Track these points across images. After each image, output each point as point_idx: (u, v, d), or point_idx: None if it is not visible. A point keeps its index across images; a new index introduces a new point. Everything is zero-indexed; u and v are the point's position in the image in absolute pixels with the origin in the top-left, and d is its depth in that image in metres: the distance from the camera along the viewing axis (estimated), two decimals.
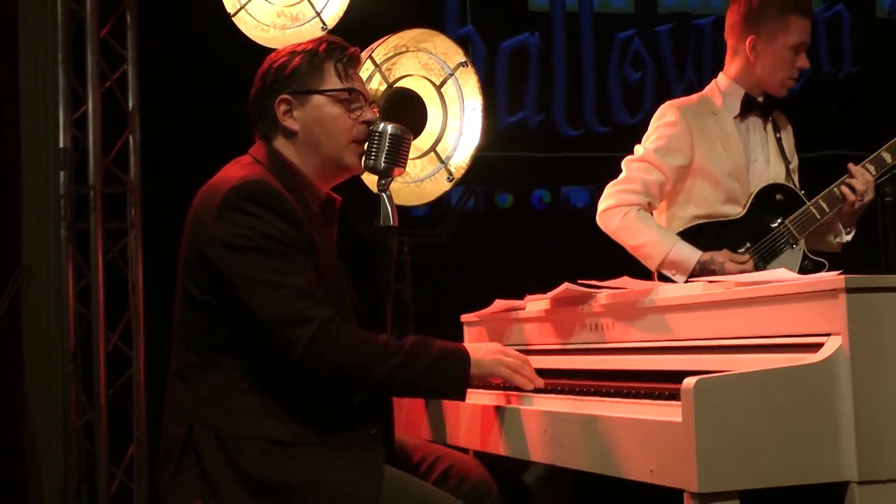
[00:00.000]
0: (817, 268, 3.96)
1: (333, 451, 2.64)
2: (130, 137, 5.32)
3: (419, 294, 4.15)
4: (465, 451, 3.14)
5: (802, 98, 4.34)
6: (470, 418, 3.03)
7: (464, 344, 2.87)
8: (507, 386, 2.89)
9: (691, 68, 6.78)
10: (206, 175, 2.86)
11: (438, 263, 5.26)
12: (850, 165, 3.93)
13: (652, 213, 4.02)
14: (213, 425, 2.63)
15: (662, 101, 4.20)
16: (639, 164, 4.00)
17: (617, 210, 3.95)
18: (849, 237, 4.07)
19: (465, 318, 3.72)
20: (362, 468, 2.63)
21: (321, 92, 2.85)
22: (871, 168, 3.93)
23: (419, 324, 2.85)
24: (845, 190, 3.91)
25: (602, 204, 4.01)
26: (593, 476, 2.54)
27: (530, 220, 6.53)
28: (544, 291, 3.30)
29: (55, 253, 5.30)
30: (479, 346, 2.86)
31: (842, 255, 4.08)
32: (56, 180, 5.26)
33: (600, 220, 4.01)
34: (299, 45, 2.94)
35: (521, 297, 3.45)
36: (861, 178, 3.90)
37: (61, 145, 5.23)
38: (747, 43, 4.00)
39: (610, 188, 4.02)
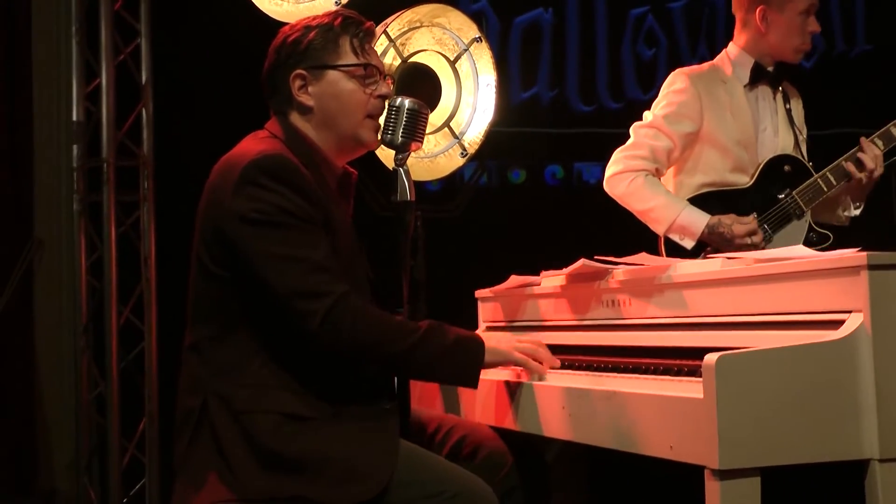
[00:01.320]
0: (822, 240, 3.97)
1: (348, 424, 2.63)
2: (143, 111, 5.32)
3: (432, 270, 4.14)
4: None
5: (816, 75, 4.34)
6: (486, 394, 3.03)
7: (478, 332, 2.86)
8: None
9: (704, 45, 6.78)
10: (218, 149, 2.85)
11: (451, 239, 5.25)
12: (862, 139, 3.93)
13: (660, 180, 4.01)
14: (228, 398, 2.63)
15: None
16: (647, 130, 4.00)
17: (624, 175, 3.95)
18: (857, 211, 4.08)
19: (479, 293, 3.71)
20: (377, 442, 2.62)
21: (336, 67, 2.83)
22: (880, 143, 3.94)
23: (432, 299, 2.83)
24: (852, 165, 3.91)
25: (609, 169, 4.01)
26: (608, 452, 2.54)
27: (543, 196, 6.54)
28: (557, 268, 3.29)
29: (68, 226, 5.30)
30: (492, 334, 2.87)
31: (846, 229, 4.10)
32: (69, 153, 5.25)
33: (607, 186, 4.01)
34: (314, 18, 2.91)
35: (534, 273, 3.44)
36: (870, 153, 3.90)
37: (74, 118, 5.23)
38: (757, 13, 4.01)
39: (618, 154, 4.02)
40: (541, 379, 2.81)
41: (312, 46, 2.83)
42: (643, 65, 6.78)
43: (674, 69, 4.16)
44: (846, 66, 6.94)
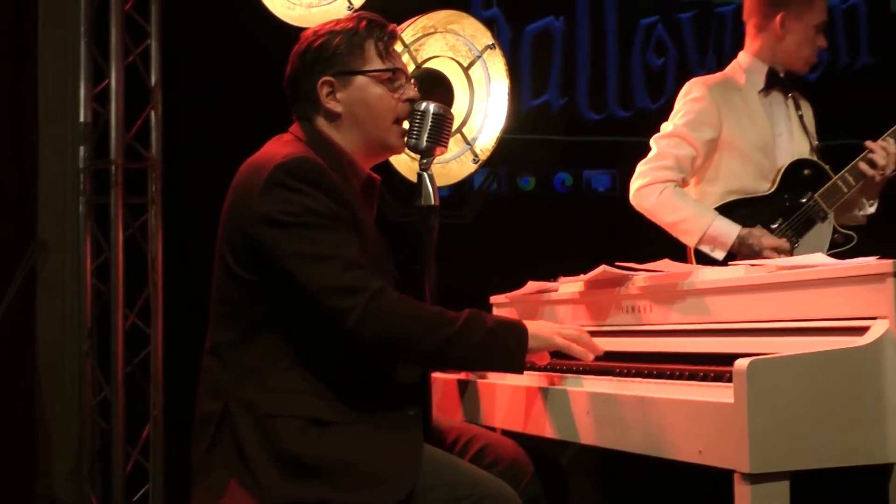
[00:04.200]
0: (847, 241, 4.02)
1: (372, 430, 2.62)
2: (152, 113, 5.31)
3: (442, 275, 4.15)
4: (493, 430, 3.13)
5: (820, 87, 4.38)
6: (508, 400, 3.02)
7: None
8: (552, 367, 2.87)
9: (712, 55, 6.86)
10: (227, 152, 2.86)
11: (462, 245, 5.26)
12: (868, 143, 3.97)
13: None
14: (251, 403, 2.62)
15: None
16: (669, 140, 4.02)
17: (653, 187, 3.96)
18: (872, 209, 4.12)
19: (494, 299, 3.71)
20: (401, 447, 2.62)
21: (364, 73, 2.82)
22: (892, 141, 3.98)
23: (445, 305, 2.82)
24: (864, 166, 3.95)
25: (636, 182, 4.02)
26: (621, 457, 2.55)
27: (552, 203, 6.56)
28: (567, 274, 3.31)
29: (73, 228, 5.28)
30: (533, 322, 2.82)
31: (864, 228, 4.15)
32: (76, 154, 5.24)
33: (635, 199, 4.02)
34: (337, 23, 2.90)
35: (543, 279, 3.45)
36: (881, 153, 3.94)
37: (82, 119, 5.22)
38: (777, 19, 4.07)
39: (643, 166, 4.02)
40: (566, 384, 2.79)
41: (339, 52, 2.82)
42: (652, 74, 6.84)
43: (683, 78, 4.20)
44: (849, 78, 6.99)
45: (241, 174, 2.76)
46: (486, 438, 2.97)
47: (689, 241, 3.93)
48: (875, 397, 2.22)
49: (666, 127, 4.07)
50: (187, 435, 2.78)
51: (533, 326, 2.75)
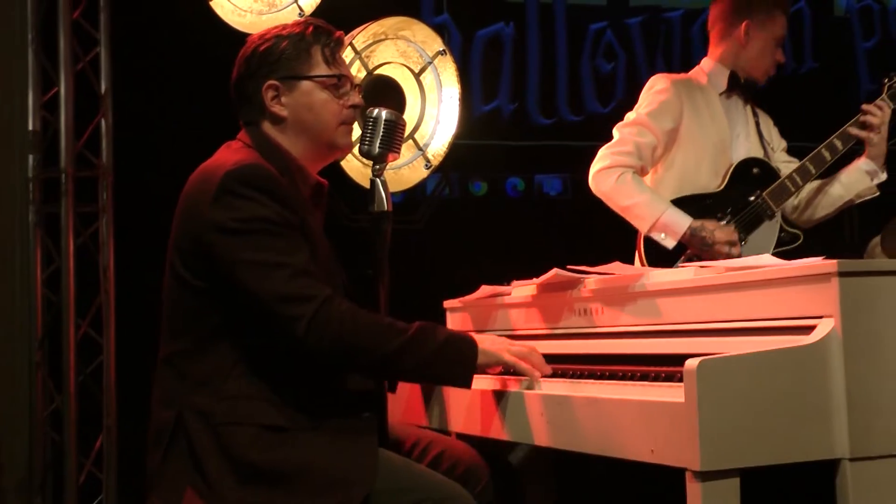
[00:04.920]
0: (793, 240, 4.11)
1: (327, 436, 2.63)
2: (103, 121, 5.26)
3: (396, 281, 4.17)
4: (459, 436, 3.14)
5: (767, 92, 4.45)
6: (467, 404, 3.04)
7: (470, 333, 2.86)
8: (510, 371, 2.89)
9: (661, 60, 6.92)
10: (179, 159, 2.85)
11: (415, 251, 5.28)
12: (864, 105, 4.07)
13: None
14: (205, 411, 2.62)
15: (633, 92, 4.31)
16: (631, 128, 4.08)
17: (612, 171, 4.01)
18: (885, 175, 4.16)
19: (447, 304, 3.73)
20: (357, 451, 2.62)
21: (310, 78, 2.84)
22: (888, 101, 4.09)
23: (396, 311, 2.84)
24: (854, 131, 4.04)
25: (596, 165, 4.06)
26: (576, 459, 2.58)
27: (505, 208, 6.59)
28: (520, 277, 3.33)
29: (23, 237, 5.22)
30: (485, 336, 2.84)
31: (808, 237, 4.22)
32: (24, 163, 5.18)
33: (593, 182, 4.06)
34: (283, 28, 2.91)
35: (496, 283, 3.47)
36: (876, 112, 4.03)
37: (30, 128, 5.16)
38: (742, 27, 4.17)
39: (604, 150, 4.07)
40: (529, 387, 2.81)
41: (285, 56, 2.83)
42: (602, 78, 6.89)
43: (632, 83, 4.29)
44: (795, 82, 7.07)
45: (191, 182, 2.76)
46: (443, 444, 2.99)
47: (642, 226, 3.98)
48: (821, 395, 2.26)
49: (629, 116, 4.14)
50: (141, 445, 2.77)
51: (484, 342, 2.77)
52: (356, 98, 2.90)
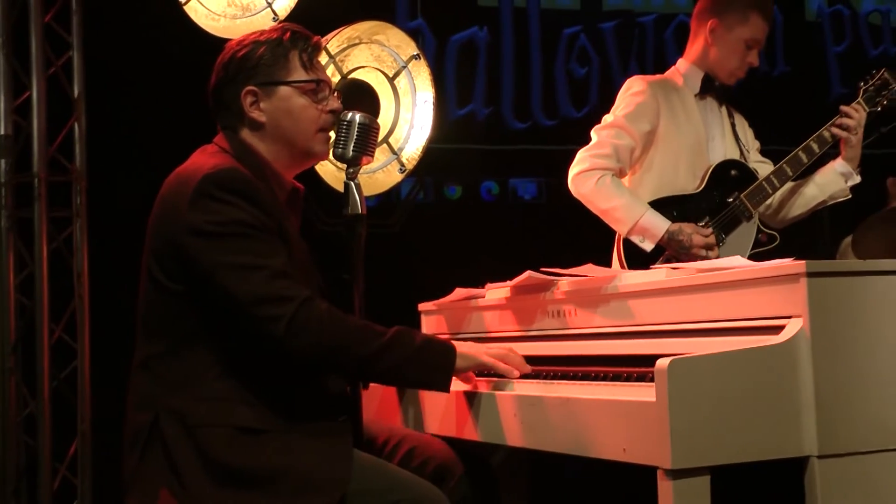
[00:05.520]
0: (771, 240, 4.14)
1: (302, 438, 2.64)
2: (76, 125, 5.26)
3: (371, 284, 4.18)
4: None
5: (739, 96, 4.48)
6: (441, 406, 3.05)
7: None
8: (487, 374, 2.90)
9: (635, 64, 6.95)
10: (152, 163, 2.85)
11: (390, 254, 5.29)
12: (842, 107, 4.11)
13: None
14: (181, 413, 2.62)
15: (606, 96, 4.33)
16: (609, 130, 4.09)
17: (591, 173, 4.02)
18: (858, 178, 4.20)
19: (422, 306, 3.74)
20: (331, 455, 2.63)
21: (288, 83, 2.85)
22: (863, 104, 4.13)
23: (373, 314, 2.85)
24: (835, 130, 4.07)
25: (574, 168, 4.07)
26: (552, 459, 2.59)
27: (479, 212, 6.62)
28: (494, 280, 3.35)
29: None
30: (462, 342, 2.86)
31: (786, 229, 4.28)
32: None
33: (573, 184, 4.07)
34: (261, 33, 2.91)
35: (471, 286, 3.49)
36: (854, 114, 4.08)
37: (2, 132, 5.13)
38: (708, 25, 4.19)
39: (582, 153, 4.09)
40: (503, 388, 2.83)
41: (263, 62, 2.83)
42: (576, 83, 6.92)
43: (606, 87, 4.30)
44: (767, 86, 7.12)
45: (167, 185, 2.76)
46: (416, 440, 3.01)
47: (621, 229, 4.01)
48: (790, 393, 2.29)
49: (607, 118, 4.15)
50: (116, 449, 2.78)
51: (461, 346, 2.79)
52: (335, 103, 2.91)
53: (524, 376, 2.82)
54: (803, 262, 2.34)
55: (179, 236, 2.65)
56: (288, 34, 2.89)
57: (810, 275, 2.32)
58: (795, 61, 7.44)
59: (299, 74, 2.86)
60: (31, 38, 5.10)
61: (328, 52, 3.99)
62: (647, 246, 3.94)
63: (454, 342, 2.80)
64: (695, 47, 4.25)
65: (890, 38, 7.74)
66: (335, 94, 2.96)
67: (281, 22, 4.34)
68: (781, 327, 2.34)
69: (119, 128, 5.51)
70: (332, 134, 2.92)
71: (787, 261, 2.43)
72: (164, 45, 5.28)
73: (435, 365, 2.72)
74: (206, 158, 2.77)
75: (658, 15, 7.07)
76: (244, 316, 2.61)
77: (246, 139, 2.85)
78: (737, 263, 2.65)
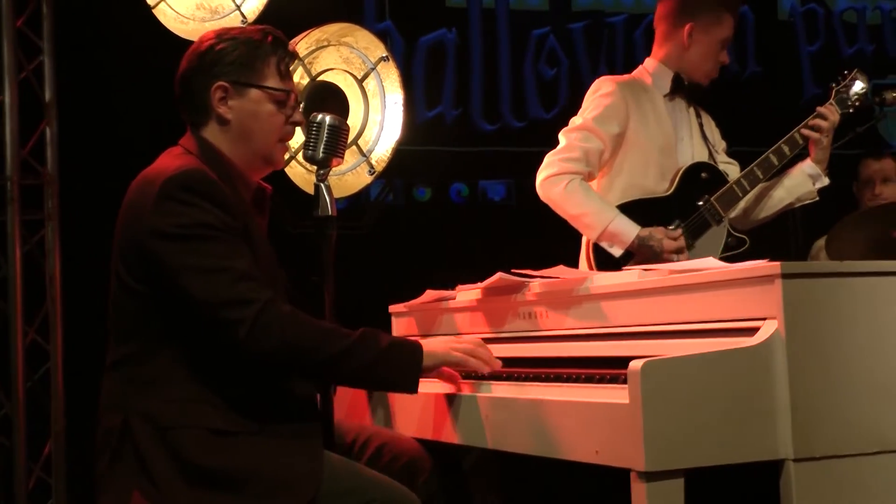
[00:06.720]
0: (740, 244, 4.11)
1: (273, 439, 2.64)
2: (47, 129, 5.25)
3: (341, 286, 4.18)
4: None
5: (710, 96, 4.49)
6: (411, 407, 3.05)
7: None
8: (462, 375, 2.90)
9: (604, 65, 6.95)
10: (123, 166, 2.84)
11: (360, 256, 5.28)
12: (818, 108, 4.12)
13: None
14: (152, 415, 2.62)
15: (576, 97, 4.28)
16: (578, 133, 4.05)
17: (559, 178, 3.99)
18: (827, 181, 4.21)
19: (393, 308, 3.73)
20: (303, 455, 2.63)
21: (262, 88, 2.84)
22: (836, 105, 4.14)
23: (342, 316, 2.85)
24: (805, 132, 4.09)
25: (543, 172, 4.04)
26: (519, 460, 2.59)
27: (449, 214, 6.62)
28: (465, 282, 3.34)
29: None
30: (429, 339, 2.86)
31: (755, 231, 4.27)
32: None
33: (541, 189, 4.04)
34: (241, 31, 2.91)
35: (441, 288, 3.49)
36: (827, 115, 4.09)
37: None
38: (685, 29, 4.15)
39: (551, 157, 4.05)
40: (474, 390, 2.82)
41: (240, 61, 2.82)
42: (545, 84, 6.91)
43: (575, 88, 4.29)
44: (738, 86, 7.13)
45: (132, 188, 2.76)
46: (384, 437, 3.02)
47: (590, 235, 3.98)
48: (765, 395, 2.28)
49: (575, 121, 4.11)
50: (90, 450, 2.78)
51: (428, 344, 2.78)
52: (298, 116, 2.91)
53: (496, 377, 2.82)
54: (778, 263, 2.33)
55: (144, 239, 2.64)
56: (270, 38, 2.88)
57: (785, 276, 2.31)
58: (767, 61, 7.43)
59: (274, 81, 2.85)
60: (3, 42, 5.10)
61: (297, 55, 3.98)
62: (617, 251, 3.92)
63: (422, 341, 2.79)
64: (664, 49, 4.22)
65: (865, 37, 7.73)
66: (300, 107, 2.95)
67: (264, 25, 4.34)
68: (756, 329, 2.33)
69: (90, 131, 5.49)
70: (298, 141, 2.91)
71: (762, 262, 2.42)
72: (134, 49, 5.28)
73: (402, 365, 2.71)
74: (170, 160, 2.76)
75: (628, 15, 7.07)
76: (207, 318, 2.61)
77: (208, 138, 2.84)
78: (711, 265, 2.64)
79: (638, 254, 3.89)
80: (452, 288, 3.45)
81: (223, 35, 2.87)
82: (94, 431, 2.76)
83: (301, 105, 2.97)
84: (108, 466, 2.66)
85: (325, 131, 2.89)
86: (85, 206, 5.25)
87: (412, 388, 2.73)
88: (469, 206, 6.68)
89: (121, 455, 2.64)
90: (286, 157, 2.98)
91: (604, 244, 3.94)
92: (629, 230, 3.91)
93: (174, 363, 2.66)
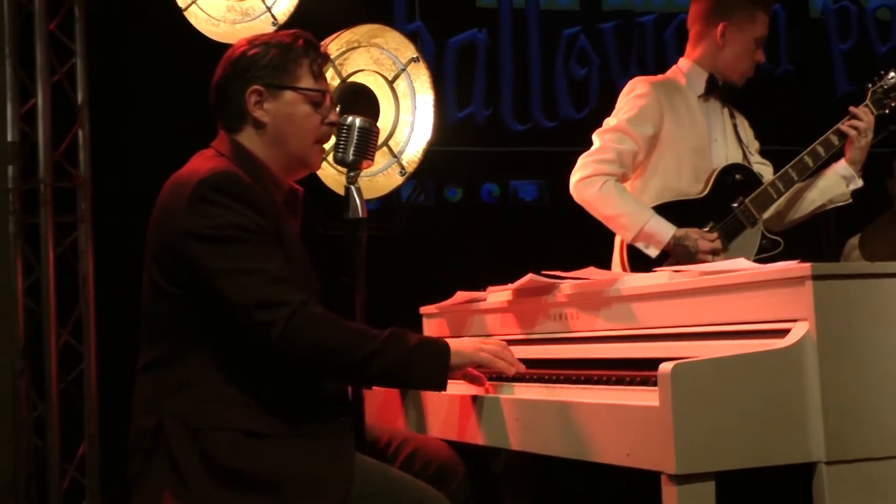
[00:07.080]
0: (774, 246, 4.09)
1: (304, 441, 2.65)
2: (80, 131, 5.29)
3: (373, 288, 4.18)
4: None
5: (742, 95, 4.47)
6: (442, 409, 3.06)
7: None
8: (487, 376, 2.90)
9: (635, 65, 6.91)
10: (155, 168, 2.86)
11: (391, 258, 5.29)
12: (852, 108, 4.09)
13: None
14: (184, 416, 2.63)
15: (607, 97, 4.30)
16: (612, 135, 4.05)
17: (594, 179, 3.98)
18: (860, 182, 4.17)
19: (424, 310, 3.74)
20: (334, 457, 2.64)
21: (296, 89, 2.85)
22: (871, 107, 4.11)
23: (374, 318, 2.85)
24: (843, 128, 4.05)
25: (577, 174, 4.03)
26: (554, 464, 2.59)
27: (480, 214, 6.61)
28: (495, 283, 3.35)
29: (2, 247, 5.23)
30: (456, 339, 2.86)
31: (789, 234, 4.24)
32: (4, 174, 5.20)
33: (575, 191, 4.03)
34: (273, 36, 2.93)
35: (472, 289, 3.49)
36: (863, 116, 4.06)
37: (9, 139, 5.17)
38: (718, 29, 4.14)
39: (584, 158, 4.04)
40: (497, 391, 2.83)
41: (273, 64, 2.84)
42: (576, 84, 6.89)
43: (606, 88, 4.27)
44: (770, 84, 7.08)
45: (165, 191, 2.77)
46: (417, 442, 3.02)
47: (626, 236, 3.97)
48: (797, 398, 2.27)
49: (609, 122, 4.11)
50: (123, 451, 2.79)
51: (455, 343, 2.79)
52: (334, 116, 2.92)
53: (525, 379, 2.82)
54: (809, 264, 2.32)
55: (177, 240, 2.66)
56: (301, 41, 2.89)
57: (816, 277, 2.30)
58: (799, 59, 7.37)
59: (308, 82, 2.87)
60: (36, 46, 5.14)
61: (328, 56, 3.99)
62: (653, 252, 3.91)
63: (449, 340, 2.80)
64: (699, 49, 4.21)
65: None
66: (336, 107, 2.96)
67: (278, 28, 4.36)
68: (787, 331, 2.32)
69: (122, 133, 5.53)
70: (329, 143, 2.92)
71: (793, 263, 2.41)
72: (165, 51, 5.30)
73: (430, 364, 2.72)
74: (202, 162, 2.78)
75: (658, 14, 7.03)
76: (240, 320, 2.62)
77: (242, 141, 2.85)
78: (741, 266, 2.63)
79: (673, 254, 3.88)
80: (483, 289, 3.45)
81: (254, 41, 2.90)
82: (127, 432, 2.77)
83: (338, 107, 2.97)
84: (140, 467, 2.68)
85: (356, 133, 2.90)
86: (117, 209, 5.28)
87: (441, 386, 2.74)
88: (500, 206, 6.67)
89: (153, 456, 2.66)
90: None
91: (639, 245, 3.93)
92: (665, 230, 3.90)
93: (206, 365, 2.67)
